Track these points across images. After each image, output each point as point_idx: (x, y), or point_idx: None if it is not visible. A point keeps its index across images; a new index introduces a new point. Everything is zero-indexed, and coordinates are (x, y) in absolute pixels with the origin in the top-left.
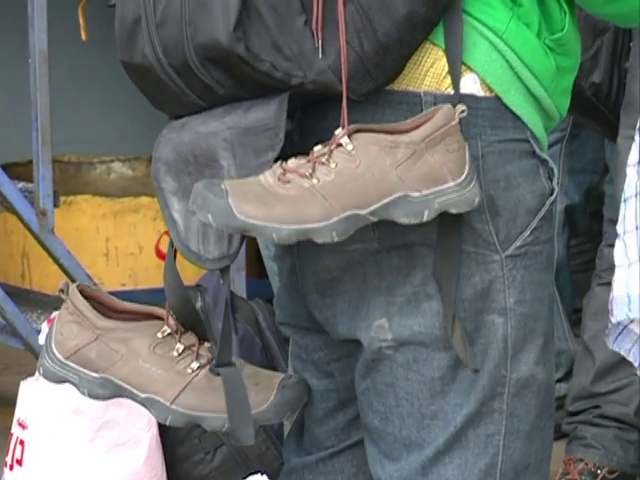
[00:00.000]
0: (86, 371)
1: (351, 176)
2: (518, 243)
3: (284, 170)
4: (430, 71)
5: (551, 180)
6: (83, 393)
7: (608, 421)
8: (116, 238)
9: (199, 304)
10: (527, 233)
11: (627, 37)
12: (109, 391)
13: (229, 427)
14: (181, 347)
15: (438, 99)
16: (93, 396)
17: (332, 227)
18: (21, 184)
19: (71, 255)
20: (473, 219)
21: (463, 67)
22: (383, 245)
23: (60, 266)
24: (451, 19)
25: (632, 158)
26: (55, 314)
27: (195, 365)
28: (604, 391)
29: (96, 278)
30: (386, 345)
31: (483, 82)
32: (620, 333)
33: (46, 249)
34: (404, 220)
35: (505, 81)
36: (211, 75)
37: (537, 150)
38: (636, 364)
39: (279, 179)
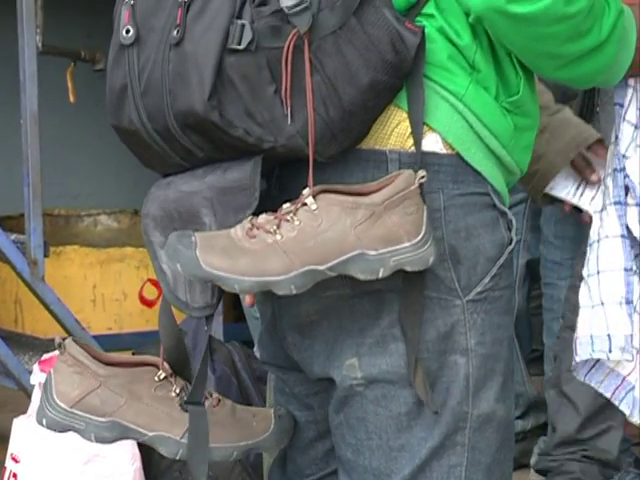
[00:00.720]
0: (93, 417)
1: (312, 234)
2: (479, 289)
3: (252, 225)
4: (395, 131)
5: (510, 230)
6: (89, 439)
7: (593, 461)
8: (102, 285)
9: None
10: (487, 280)
11: (592, 101)
12: (116, 433)
13: (183, 455)
14: (178, 388)
15: (402, 157)
16: (100, 440)
17: (291, 280)
18: (14, 236)
19: (61, 301)
20: (436, 267)
21: (426, 127)
22: (355, 292)
23: (50, 312)
24: (413, 84)
25: (595, 206)
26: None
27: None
28: (587, 437)
29: (84, 322)
30: (357, 383)
31: (445, 141)
32: (592, 367)
33: (37, 296)
34: (360, 276)
35: (466, 140)
36: (191, 140)
37: (497, 203)
38: (609, 395)
39: (247, 233)
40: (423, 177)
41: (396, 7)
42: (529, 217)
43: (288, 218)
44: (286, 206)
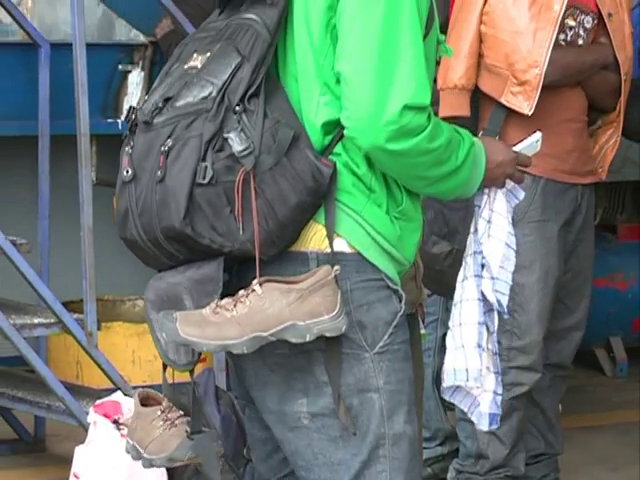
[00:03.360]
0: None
1: (259, 310)
2: (381, 344)
3: (217, 305)
4: (314, 238)
5: (400, 301)
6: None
7: (512, 478)
8: (139, 350)
9: (195, 393)
10: (386, 337)
11: None
12: (134, 454)
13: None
14: (174, 416)
15: (320, 256)
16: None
17: (243, 343)
18: (75, 315)
19: (109, 362)
20: (348, 331)
21: (335, 235)
22: (294, 352)
23: (102, 370)
24: (327, 204)
25: (459, 276)
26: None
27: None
28: (508, 461)
29: (126, 377)
30: (304, 416)
31: (349, 244)
32: (454, 390)
33: (92, 358)
34: (293, 340)
35: (364, 243)
36: (173, 247)
37: (390, 284)
38: (466, 409)
39: (213, 311)
40: (337, 270)
41: (315, 147)
42: (444, 301)
43: (242, 300)
44: (241, 292)
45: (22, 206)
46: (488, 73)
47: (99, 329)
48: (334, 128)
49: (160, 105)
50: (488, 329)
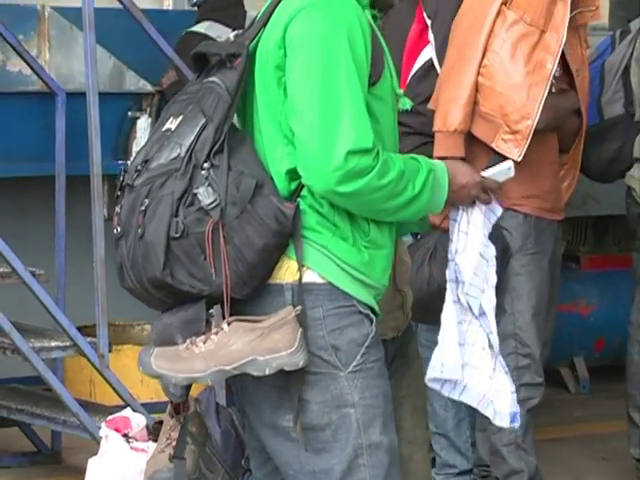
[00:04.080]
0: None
1: (223, 346)
2: (354, 364)
3: (190, 342)
4: (287, 271)
5: (371, 324)
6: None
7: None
8: None
9: (198, 408)
10: (359, 357)
11: None
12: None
13: None
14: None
15: (294, 287)
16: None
17: (207, 376)
18: (89, 338)
19: (120, 381)
20: (324, 354)
21: (307, 267)
22: (272, 384)
23: (113, 388)
24: (295, 241)
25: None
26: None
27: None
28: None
29: (135, 395)
30: (292, 431)
31: (320, 275)
32: (444, 383)
33: (104, 378)
34: (254, 373)
35: (334, 273)
36: (160, 294)
37: (361, 310)
38: (475, 405)
39: (186, 347)
40: (297, 311)
41: (282, 193)
42: None
43: (211, 337)
44: (213, 330)
45: (40, 240)
46: (482, 120)
47: (110, 351)
48: (298, 174)
49: (139, 168)
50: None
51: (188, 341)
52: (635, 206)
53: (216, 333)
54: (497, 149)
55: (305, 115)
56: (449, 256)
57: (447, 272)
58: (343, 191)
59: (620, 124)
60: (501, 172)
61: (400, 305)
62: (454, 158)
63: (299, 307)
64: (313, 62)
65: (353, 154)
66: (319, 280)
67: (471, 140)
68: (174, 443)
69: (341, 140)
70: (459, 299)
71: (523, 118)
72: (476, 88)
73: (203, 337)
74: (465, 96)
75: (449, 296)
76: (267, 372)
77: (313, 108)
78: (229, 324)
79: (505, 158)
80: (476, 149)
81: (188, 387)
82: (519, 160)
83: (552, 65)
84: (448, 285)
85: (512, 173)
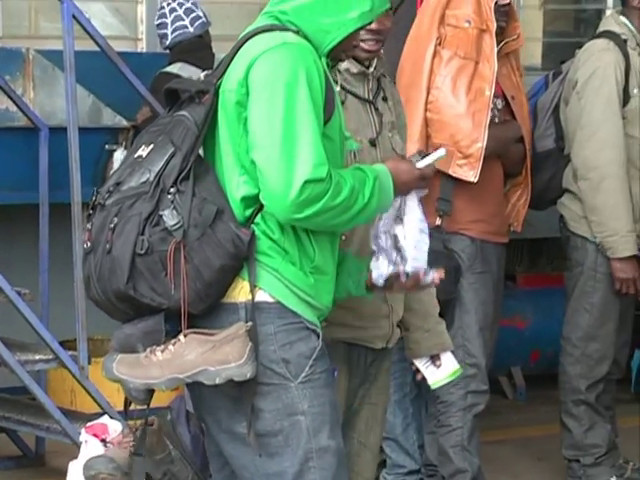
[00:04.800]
0: None
1: (179, 356)
2: (303, 375)
3: (150, 351)
4: (241, 291)
5: (318, 338)
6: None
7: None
8: None
9: (169, 416)
10: (307, 369)
11: None
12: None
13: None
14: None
15: (247, 305)
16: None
17: (162, 383)
18: (70, 352)
19: (98, 391)
20: (276, 367)
21: (259, 288)
22: (228, 394)
23: (92, 397)
24: (249, 264)
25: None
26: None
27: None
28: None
29: (112, 403)
30: (245, 435)
31: (271, 295)
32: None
33: (84, 388)
34: (206, 382)
35: (283, 294)
36: (123, 305)
37: (309, 326)
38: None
39: (146, 356)
40: (248, 326)
41: (239, 219)
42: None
43: (169, 347)
44: (171, 341)
45: (25, 262)
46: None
47: (90, 364)
48: (253, 202)
49: (111, 189)
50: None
51: (148, 350)
52: (565, 230)
53: (174, 344)
54: (454, 174)
55: (266, 149)
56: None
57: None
58: (302, 216)
59: (551, 157)
60: (436, 159)
61: (386, 315)
62: None
63: (249, 323)
64: (275, 100)
65: (309, 183)
66: (270, 300)
67: None
68: (126, 445)
69: (299, 172)
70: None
71: (473, 142)
72: (426, 124)
73: (162, 347)
74: (417, 133)
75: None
76: (217, 381)
77: (274, 143)
78: (185, 336)
79: (458, 180)
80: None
81: (150, 394)
82: (475, 181)
83: (490, 91)
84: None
85: (443, 152)
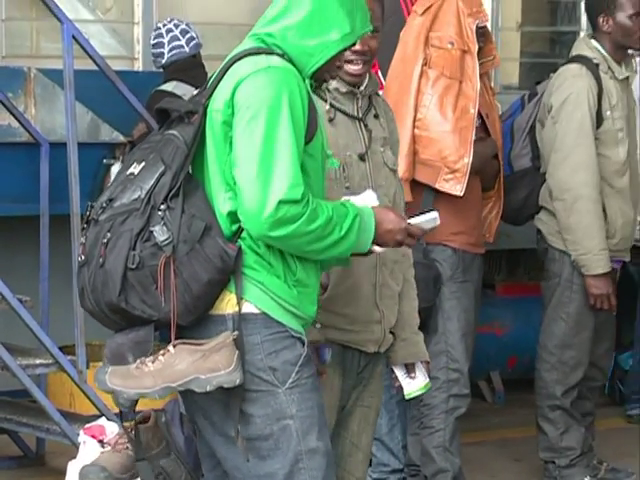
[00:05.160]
0: None
1: (170, 366)
2: (290, 381)
3: (140, 362)
4: (229, 303)
5: (303, 345)
6: None
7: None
8: None
9: (164, 418)
10: (294, 375)
11: None
12: None
13: None
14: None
15: (234, 317)
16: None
17: (156, 392)
18: (69, 357)
19: (96, 394)
20: (263, 374)
21: (245, 300)
22: (220, 399)
23: (90, 400)
24: (236, 277)
25: None
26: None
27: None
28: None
29: (109, 406)
30: (240, 440)
31: (257, 307)
32: None
33: (82, 391)
34: (196, 390)
35: (269, 305)
36: (115, 316)
37: (294, 334)
38: None
39: (136, 366)
40: (235, 335)
41: (226, 234)
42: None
43: (159, 358)
44: (161, 352)
45: (26, 271)
46: (423, 166)
47: (88, 368)
48: (238, 218)
49: (104, 205)
50: None
51: (138, 361)
52: (543, 243)
53: (163, 354)
54: (441, 189)
55: (245, 167)
56: None
57: None
58: (274, 235)
59: (527, 175)
60: (427, 221)
61: (378, 321)
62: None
63: (236, 332)
64: (256, 121)
65: (284, 204)
66: (256, 311)
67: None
68: (120, 447)
69: (273, 191)
70: None
71: (460, 157)
72: (414, 140)
73: (152, 357)
74: (405, 149)
75: None
76: (208, 389)
77: (252, 162)
78: (175, 346)
79: (439, 194)
80: (415, 193)
81: (136, 401)
82: (462, 195)
83: (474, 109)
84: None
85: (438, 222)
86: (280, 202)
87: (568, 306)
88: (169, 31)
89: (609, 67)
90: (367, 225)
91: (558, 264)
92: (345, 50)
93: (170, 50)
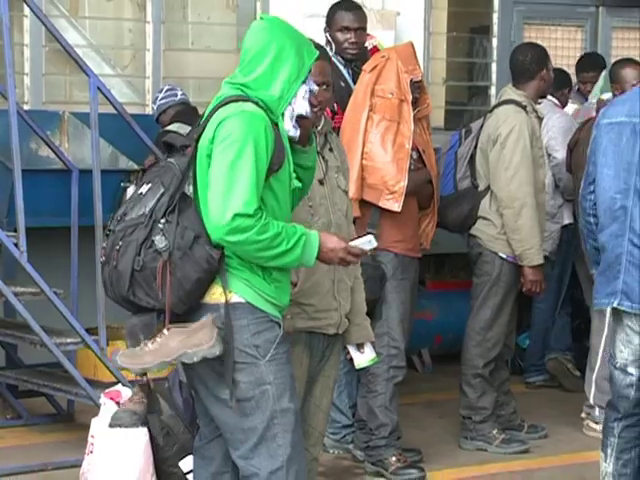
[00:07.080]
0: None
1: (164, 345)
2: (269, 355)
3: (144, 344)
4: (221, 295)
5: (280, 328)
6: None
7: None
8: None
9: (167, 384)
10: (272, 350)
11: None
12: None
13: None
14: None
15: (221, 305)
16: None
17: (155, 366)
18: (93, 336)
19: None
20: (249, 350)
21: (233, 292)
22: (214, 369)
23: (109, 370)
24: (222, 275)
25: None
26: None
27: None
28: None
29: (124, 375)
30: (228, 399)
31: (242, 297)
32: None
33: (103, 363)
34: (186, 361)
35: (253, 297)
36: (127, 305)
37: (273, 319)
38: None
39: (141, 348)
40: (215, 317)
41: (213, 241)
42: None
43: (156, 339)
44: (158, 334)
45: (61, 269)
46: (369, 189)
47: (108, 345)
48: None
49: (119, 218)
50: None
51: (142, 343)
52: (478, 247)
53: (160, 337)
54: (383, 206)
55: (213, 185)
56: None
57: None
58: (230, 240)
59: (469, 194)
60: (364, 243)
61: (336, 309)
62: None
63: (215, 314)
64: (227, 153)
65: (238, 216)
66: (243, 301)
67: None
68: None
69: (231, 205)
70: None
71: (397, 182)
72: (362, 168)
73: (152, 340)
74: (355, 175)
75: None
76: (194, 360)
77: (219, 182)
78: (168, 329)
79: (384, 210)
80: (364, 209)
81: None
82: (399, 211)
83: (409, 145)
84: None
85: (374, 243)
86: (236, 215)
87: (494, 298)
88: (161, 90)
89: (533, 109)
90: (312, 243)
91: (490, 265)
92: (304, 82)
93: (162, 98)
